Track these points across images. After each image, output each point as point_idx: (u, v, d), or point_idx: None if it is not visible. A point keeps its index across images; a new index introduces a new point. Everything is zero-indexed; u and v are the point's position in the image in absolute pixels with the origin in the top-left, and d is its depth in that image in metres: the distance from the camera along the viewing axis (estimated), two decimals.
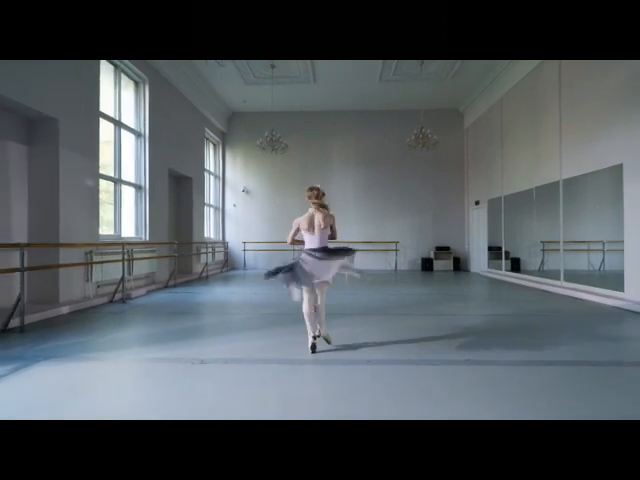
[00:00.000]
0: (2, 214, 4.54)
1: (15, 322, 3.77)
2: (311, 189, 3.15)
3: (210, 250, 9.82)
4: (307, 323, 3.06)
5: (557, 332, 3.74)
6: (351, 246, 3.19)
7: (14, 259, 4.49)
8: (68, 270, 4.94)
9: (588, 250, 6.44)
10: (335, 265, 2.98)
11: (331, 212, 3.19)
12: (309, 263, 2.92)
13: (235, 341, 3.41)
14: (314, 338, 3.00)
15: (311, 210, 3.12)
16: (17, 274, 4.45)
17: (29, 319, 4.00)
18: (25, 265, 3.98)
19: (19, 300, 3.72)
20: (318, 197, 3.13)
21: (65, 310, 4.65)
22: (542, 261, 7.67)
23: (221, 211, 11.68)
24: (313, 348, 2.96)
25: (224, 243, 11.55)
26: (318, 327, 3.12)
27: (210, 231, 11.07)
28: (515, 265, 8.66)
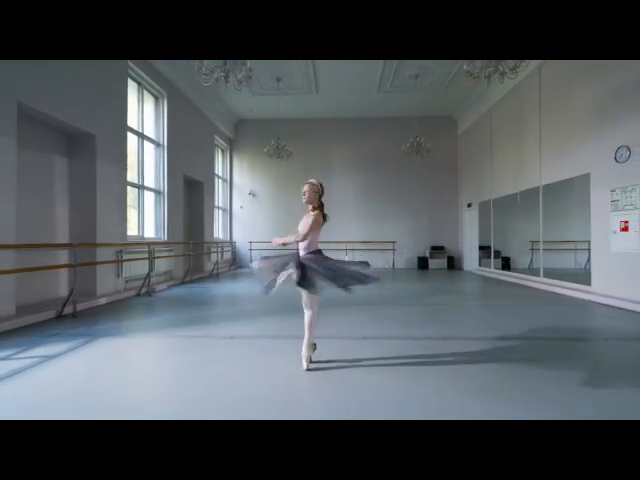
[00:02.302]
0: (48, 217, 5.26)
1: (67, 310, 4.49)
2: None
3: (219, 249, 10.55)
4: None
5: (523, 317, 4.45)
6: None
7: (55, 257, 5.23)
8: (103, 267, 5.66)
9: (575, 250, 7.11)
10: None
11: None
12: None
13: (254, 323, 4.12)
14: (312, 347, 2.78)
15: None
16: (58, 271, 5.23)
17: (68, 310, 4.68)
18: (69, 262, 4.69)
19: (72, 291, 4.44)
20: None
21: (102, 301, 5.37)
22: (531, 260, 8.33)
23: (229, 213, 12.40)
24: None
25: (231, 243, 12.27)
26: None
27: (219, 231, 11.79)
28: (505, 263, 9.33)
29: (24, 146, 4.64)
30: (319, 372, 2.61)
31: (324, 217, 2.74)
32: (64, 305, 4.45)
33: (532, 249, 8.26)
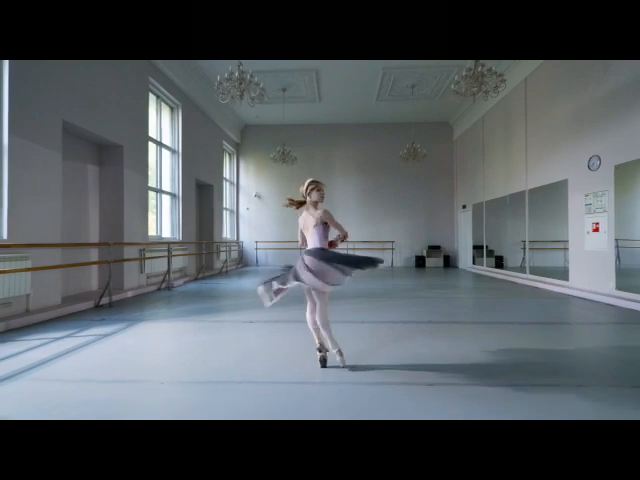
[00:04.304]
0: (82, 219, 5.90)
1: (102, 301, 5.13)
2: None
3: (228, 249, 11.20)
4: (312, 333, 2.83)
5: (504, 307, 5.08)
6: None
7: (87, 254, 5.88)
8: (129, 263, 6.31)
9: (564, 249, 7.71)
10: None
11: (320, 210, 2.78)
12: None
13: (267, 312, 4.74)
14: (319, 351, 2.74)
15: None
16: (90, 266, 5.87)
17: (106, 300, 5.33)
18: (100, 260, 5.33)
19: (108, 284, 5.08)
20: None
21: (130, 294, 6.01)
22: (523, 258, 8.93)
23: (236, 214, 13.05)
24: (322, 362, 2.67)
25: (238, 243, 12.93)
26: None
27: (227, 232, 12.44)
28: (499, 262, 9.94)
29: (65, 157, 5.28)
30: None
31: None
32: (101, 296, 5.10)
33: (523, 248, 8.88)
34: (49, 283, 4.64)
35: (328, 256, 2.55)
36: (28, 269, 4.02)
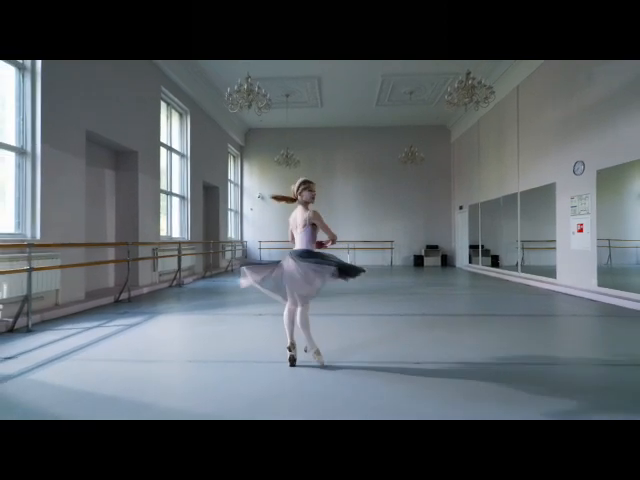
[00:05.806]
0: (100, 220, 6.32)
1: (122, 296, 5.55)
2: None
3: (232, 248, 11.62)
4: (285, 330, 2.73)
5: (493, 302, 5.48)
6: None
7: (104, 253, 6.29)
8: (143, 262, 6.72)
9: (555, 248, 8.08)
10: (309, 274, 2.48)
11: (311, 210, 2.78)
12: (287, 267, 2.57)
13: (273, 306, 5.16)
14: (289, 349, 2.71)
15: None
16: (107, 264, 6.29)
17: (125, 295, 5.74)
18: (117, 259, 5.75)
19: (127, 281, 5.50)
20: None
21: (145, 290, 6.43)
22: (520, 258, 9.29)
23: (240, 214, 13.47)
24: (291, 361, 2.67)
25: (242, 242, 13.35)
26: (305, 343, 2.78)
27: (231, 232, 12.86)
28: (495, 261, 10.32)
29: (86, 163, 5.69)
30: (329, 342, 3.65)
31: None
32: (121, 292, 5.52)
33: (517, 248, 9.24)
34: (75, 280, 5.05)
35: (313, 258, 2.54)
36: (60, 266, 4.44)
